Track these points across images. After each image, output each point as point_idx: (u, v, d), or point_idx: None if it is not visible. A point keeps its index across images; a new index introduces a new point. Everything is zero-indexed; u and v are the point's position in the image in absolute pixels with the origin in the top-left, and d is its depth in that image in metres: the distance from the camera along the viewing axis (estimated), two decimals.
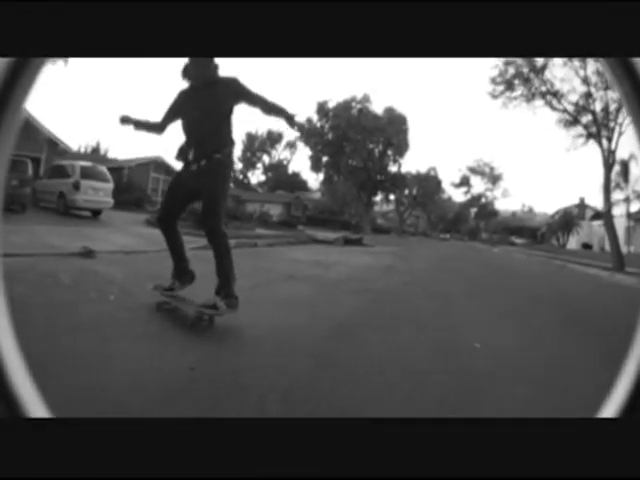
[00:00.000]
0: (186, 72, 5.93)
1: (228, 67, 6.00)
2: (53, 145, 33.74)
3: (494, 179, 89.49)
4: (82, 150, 62.68)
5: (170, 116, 6.20)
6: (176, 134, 6.05)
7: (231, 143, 6.11)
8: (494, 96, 37.11)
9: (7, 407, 1.17)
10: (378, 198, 76.39)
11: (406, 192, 78.25)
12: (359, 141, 66.94)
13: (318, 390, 4.07)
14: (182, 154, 6.05)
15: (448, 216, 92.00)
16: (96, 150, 68.83)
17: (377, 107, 70.95)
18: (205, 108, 5.88)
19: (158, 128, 6.29)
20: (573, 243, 70.24)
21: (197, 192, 6.03)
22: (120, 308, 6.11)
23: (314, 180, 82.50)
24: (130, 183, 39.49)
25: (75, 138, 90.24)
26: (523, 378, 4.93)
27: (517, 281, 16.76)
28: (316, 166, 72.72)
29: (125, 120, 6.18)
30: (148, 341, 5.10)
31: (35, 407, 1.21)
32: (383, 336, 6.25)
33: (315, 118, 71.02)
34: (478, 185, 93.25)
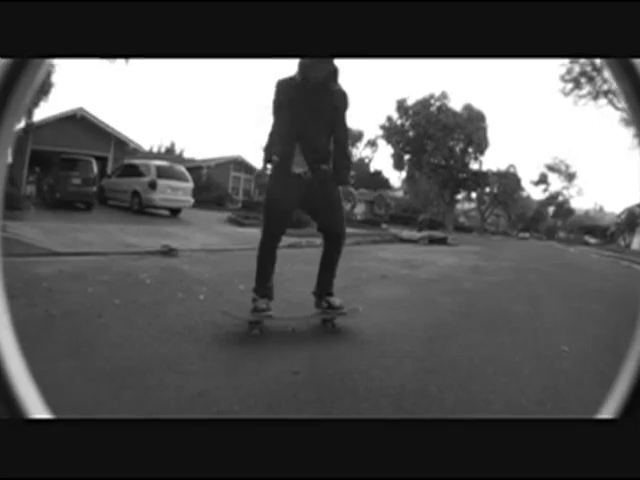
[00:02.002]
0: (304, 68, 5.38)
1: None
2: (121, 144, 34.36)
3: (569, 177, 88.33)
4: (155, 150, 63.83)
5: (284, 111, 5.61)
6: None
7: (330, 159, 5.77)
8: (565, 94, 37.57)
9: (7, 407, 1.17)
10: (460, 196, 75.86)
11: (487, 190, 77.46)
12: (440, 138, 66.45)
13: (427, 393, 4.03)
14: (287, 159, 5.52)
15: (527, 215, 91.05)
16: (171, 150, 70.09)
17: (455, 104, 70.00)
18: (319, 112, 5.50)
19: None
20: (636, 243, 68.46)
21: (304, 201, 5.68)
22: (212, 308, 5.90)
23: (396, 178, 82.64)
24: (210, 182, 39.87)
25: (147, 138, 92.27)
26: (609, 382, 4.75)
27: (595, 283, 16.25)
28: (398, 164, 72.39)
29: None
30: (246, 343, 4.97)
31: (35, 407, 1.20)
32: (480, 338, 6.17)
33: (395, 116, 70.70)
34: (555, 183, 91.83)
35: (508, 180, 76.67)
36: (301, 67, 5.37)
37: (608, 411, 1.19)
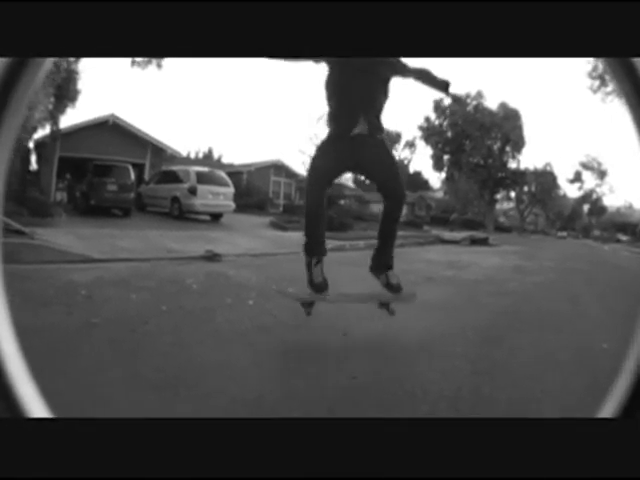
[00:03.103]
0: None
1: None
2: (157, 150, 34.15)
3: (602, 174, 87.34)
4: (192, 156, 63.98)
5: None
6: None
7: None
8: (593, 91, 37.63)
9: (7, 407, 1.18)
10: (499, 196, 75.19)
11: (525, 189, 76.78)
12: (477, 138, 65.97)
13: (481, 395, 4.06)
14: (344, 122, 5.31)
15: (565, 213, 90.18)
16: (209, 156, 70.21)
17: (489, 103, 69.33)
18: (368, 79, 5.28)
19: None
20: None
21: (357, 163, 5.54)
22: (263, 313, 5.88)
23: (435, 178, 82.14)
24: (250, 187, 39.89)
25: (184, 144, 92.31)
26: None
27: (628, 281, 16.09)
28: (438, 165, 71.90)
29: None
30: (300, 349, 4.94)
31: (35, 407, 1.21)
32: (527, 340, 6.17)
33: (433, 116, 70.29)
34: (588, 180, 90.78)
35: (545, 178, 75.99)
36: None
37: (608, 411, 1.21)
